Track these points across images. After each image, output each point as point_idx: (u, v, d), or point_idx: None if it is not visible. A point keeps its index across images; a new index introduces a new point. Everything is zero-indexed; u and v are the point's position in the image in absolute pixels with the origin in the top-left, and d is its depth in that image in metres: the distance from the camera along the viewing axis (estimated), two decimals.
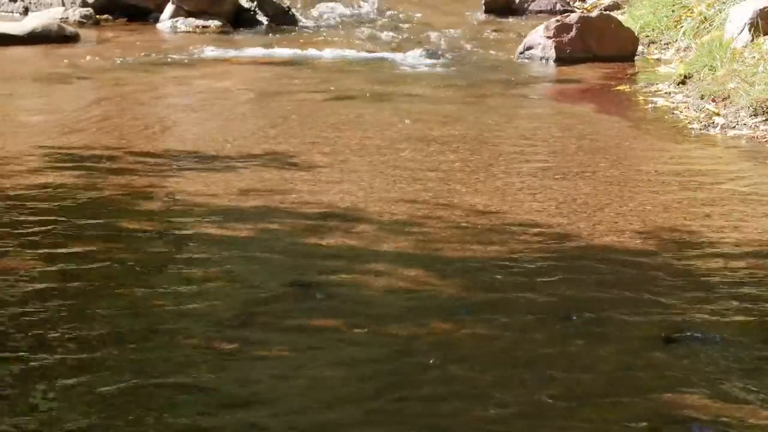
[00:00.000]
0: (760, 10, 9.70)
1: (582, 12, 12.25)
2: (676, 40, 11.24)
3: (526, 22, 13.13)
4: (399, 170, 6.91)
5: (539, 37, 11.10)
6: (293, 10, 13.55)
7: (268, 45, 11.75)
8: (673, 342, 4.44)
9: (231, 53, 11.27)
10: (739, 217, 6.07)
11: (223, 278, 5.10)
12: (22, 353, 4.28)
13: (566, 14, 11.60)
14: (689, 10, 11.39)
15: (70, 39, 11.97)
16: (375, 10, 14.16)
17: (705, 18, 10.92)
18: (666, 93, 9.39)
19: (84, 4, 13.30)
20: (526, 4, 14.13)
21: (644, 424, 3.82)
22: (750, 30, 9.63)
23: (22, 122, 8.31)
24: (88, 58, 10.98)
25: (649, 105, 9.05)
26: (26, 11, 13.47)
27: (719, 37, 9.91)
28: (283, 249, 5.50)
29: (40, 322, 4.55)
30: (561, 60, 10.86)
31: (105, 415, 3.82)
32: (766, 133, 8.00)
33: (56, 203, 6.15)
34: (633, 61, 10.97)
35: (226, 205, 6.17)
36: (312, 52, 11.39)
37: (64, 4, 13.38)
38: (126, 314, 4.65)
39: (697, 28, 10.95)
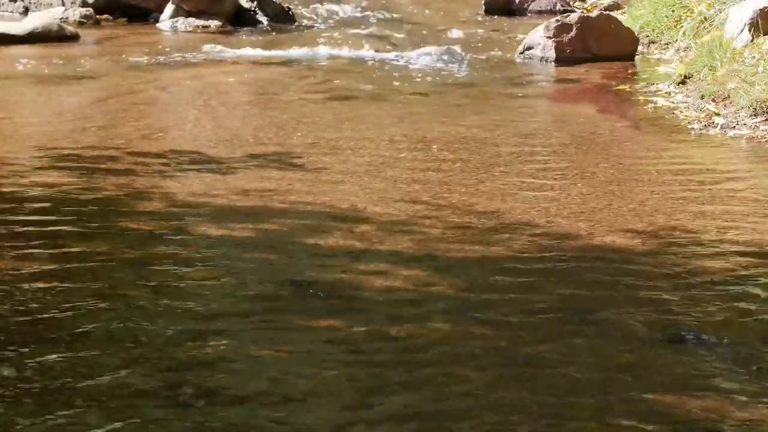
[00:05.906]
0: (760, 10, 9.70)
1: (582, 12, 12.25)
2: (676, 40, 11.24)
3: (526, 22, 13.13)
4: (399, 170, 6.91)
5: (539, 37, 11.10)
6: (293, 9, 13.56)
7: (268, 45, 11.76)
8: (672, 342, 4.44)
9: (231, 53, 11.27)
10: (738, 217, 6.07)
11: (223, 278, 5.10)
12: (21, 352, 4.28)
13: (566, 14, 11.60)
14: (689, 10, 11.39)
15: (70, 39, 11.98)
16: (375, 10, 14.16)
17: (705, 18, 10.93)
18: (666, 93, 9.40)
19: (84, 4, 13.31)
20: (526, 4, 14.14)
21: (643, 424, 3.82)
22: (750, 30, 9.64)
23: (22, 122, 8.31)
24: (87, 58, 10.98)
25: (649, 105, 9.05)
26: (26, 11, 13.47)
27: (719, 37, 9.91)
28: (282, 249, 5.50)
29: (39, 322, 4.56)
30: (561, 60, 10.86)
31: (110, 416, 3.82)
32: (766, 133, 8.00)
33: (56, 203, 6.15)
34: (633, 61, 10.97)
35: (226, 205, 6.18)
36: (312, 51, 11.40)
37: (64, 4, 13.38)
38: (125, 314, 4.65)
39: (697, 28, 10.95)
